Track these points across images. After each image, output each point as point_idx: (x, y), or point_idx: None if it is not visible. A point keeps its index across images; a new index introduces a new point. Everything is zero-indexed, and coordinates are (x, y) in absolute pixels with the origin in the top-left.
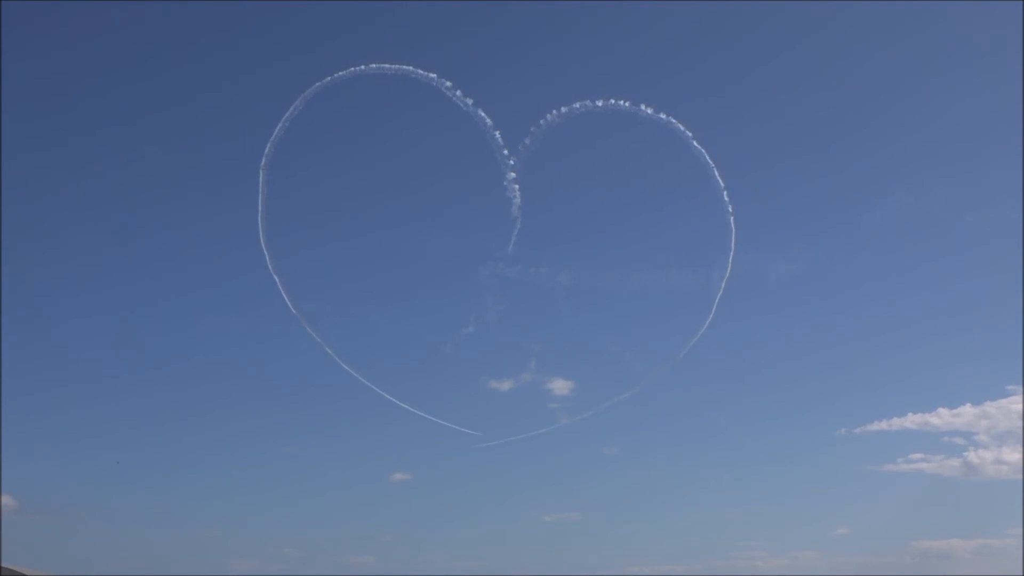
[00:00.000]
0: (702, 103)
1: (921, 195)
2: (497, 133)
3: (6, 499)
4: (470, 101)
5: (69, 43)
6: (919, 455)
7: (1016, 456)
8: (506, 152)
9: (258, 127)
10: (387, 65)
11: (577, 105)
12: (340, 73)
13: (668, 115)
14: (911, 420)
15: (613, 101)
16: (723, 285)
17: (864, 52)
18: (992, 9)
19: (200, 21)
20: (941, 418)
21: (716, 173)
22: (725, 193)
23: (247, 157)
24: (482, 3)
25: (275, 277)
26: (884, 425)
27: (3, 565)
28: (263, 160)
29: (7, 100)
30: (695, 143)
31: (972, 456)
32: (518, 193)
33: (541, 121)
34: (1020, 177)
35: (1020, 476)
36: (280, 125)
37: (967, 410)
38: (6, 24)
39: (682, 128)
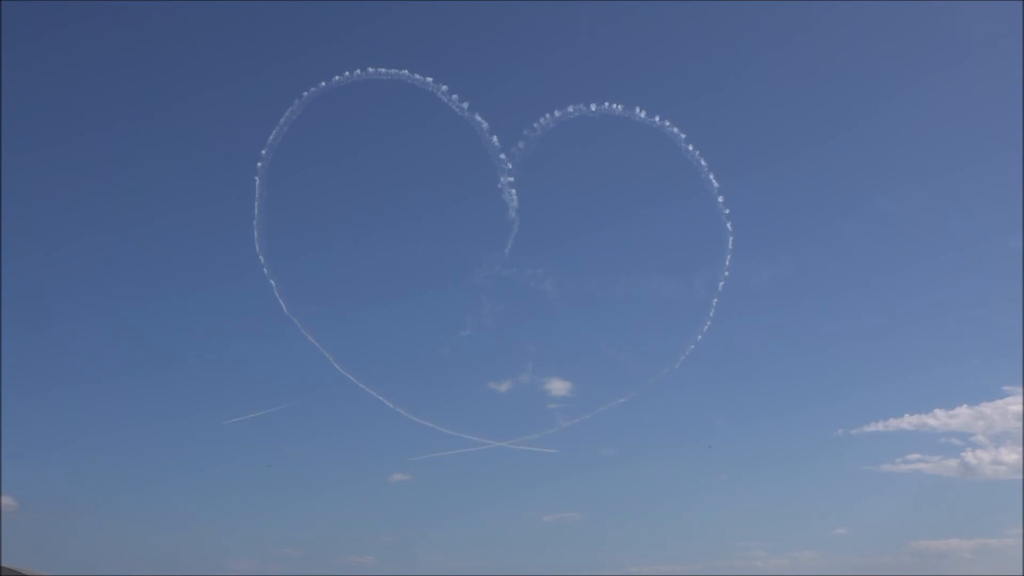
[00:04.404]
0: (692, 106)
1: (926, 194)
2: (494, 137)
3: (6, 499)
4: (466, 105)
5: (69, 43)
6: (916, 455)
7: (1014, 456)
8: (503, 156)
9: (256, 129)
10: (383, 70)
11: (571, 109)
12: (336, 78)
13: (662, 119)
14: (908, 421)
15: (607, 105)
16: (720, 288)
17: (841, 58)
18: (970, 13)
19: (200, 23)
20: (938, 419)
21: (712, 176)
22: (720, 196)
23: (246, 159)
24: (477, 7)
25: (271, 281)
26: (881, 426)
27: (3, 565)
28: (259, 164)
29: (7, 100)
30: (689, 147)
31: (969, 457)
32: (515, 196)
33: (535, 125)
34: (1019, 176)
35: (1019, 476)
36: (277, 129)
37: (964, 411)
38: (6, 24)
39: (676, 131)
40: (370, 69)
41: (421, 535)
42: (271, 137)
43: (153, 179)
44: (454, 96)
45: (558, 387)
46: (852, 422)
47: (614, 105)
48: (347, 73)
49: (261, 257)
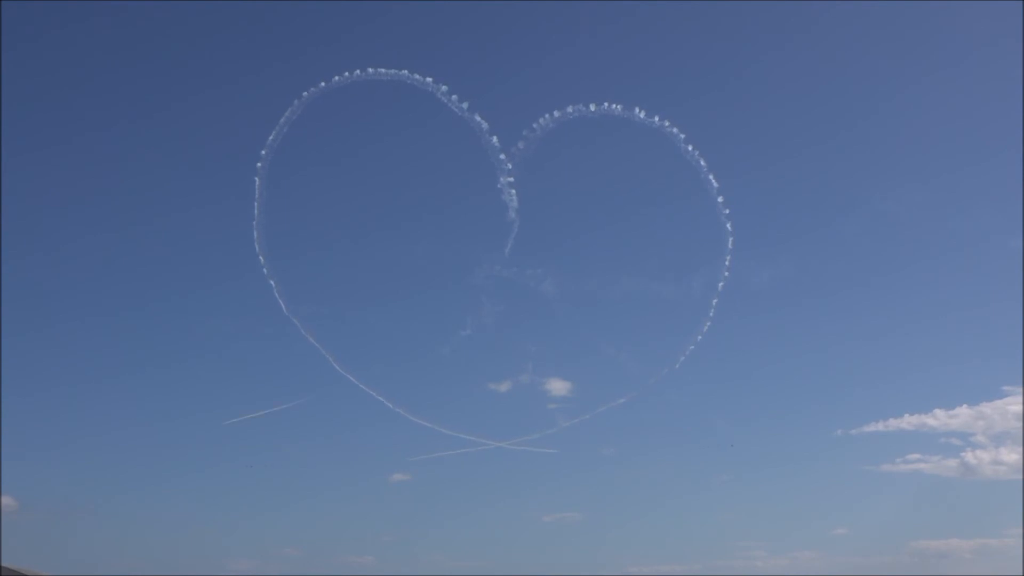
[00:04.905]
0: (691, 106)
1: (927, 194)
2: (494, 138)
3: (6, 499)
4: (466, 105)
5: (69, 43)
6: (916, 455)
7: (1014, 456)
8: (503, 156)
9: (256, 129)
10: (383, 70)
11: (570, 109)
12: (336, 78)
13: (660, 119)
14: (907, 421)
15: (606, 105)
16: (720, 288)
17: (841, 58)
18: (970, 13)
19: (200, 23)
20: (937, 419)
21: (711, 176)
22: (720, 196)
23: (246, 159)
24: (477, 7)
25: (271, 281)
26: (881, 426)
27: (3, 565)
28: (259, 164)
29: (7, 100)
30: (689, 147)
31: (969, 457)
32: (515, 196)
33: (535, 125)
34: (1019, 176)
35: (1019, 476)
36: (276, 130)
37: (963, 411)
38: (6, 24)
39: (675, 131)
40: (370, 69)
41: (421, 535)
42: (271, 137)
43: (153, 179)
44: (454, 96)
45: (558, 387)
46: (852, 422)
47: (613, 105)
48: (347, 73)
49: (261, 257)
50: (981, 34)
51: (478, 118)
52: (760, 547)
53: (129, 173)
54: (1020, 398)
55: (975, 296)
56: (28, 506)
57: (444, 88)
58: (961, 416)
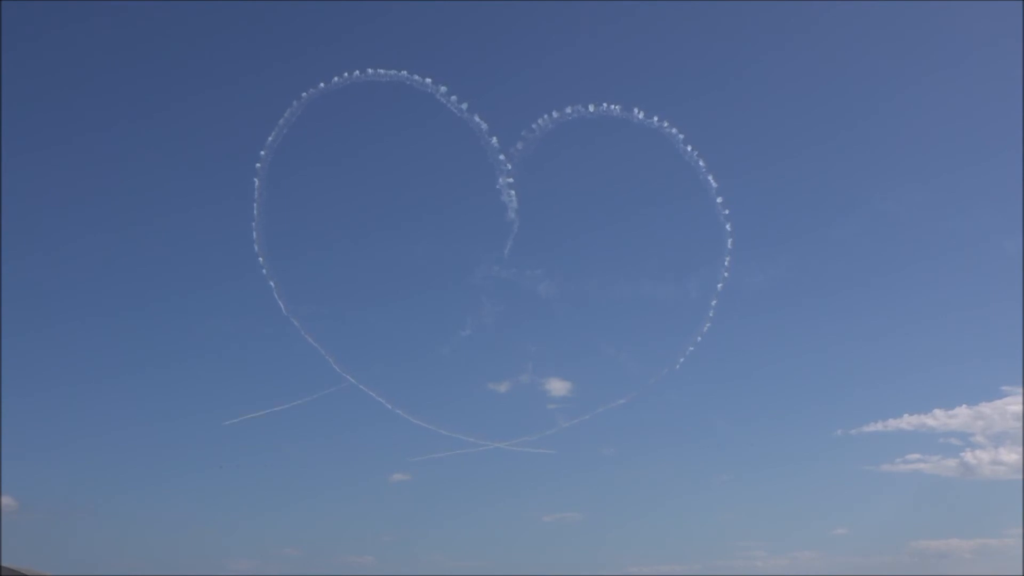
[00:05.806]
0: (690, 107)
1: (927, 194)
2: (493, 138)
3: (6, 499)
4: (465, 106)
5: (69, 43)
6: (916, 455)
7: (1014, 457)
8: (502, 157)
9: (256, 130)
10: (382, 71)
11: (569, 110)
12: (336, 79)
13: (659, 119)
14: (907, 421)
15: (605, 106)
16: (720, 288)
17: (841, 58)
18: (970, 13)
19: (200, 23)
20: (937, 419)
21: (710, 177)
22: (719, 197)
23: (246, 159)
24: (477, 7)
25: (270, 281)
26: (881, 426)
27: (3, 565)
28: (259, 165)
29: (7, 100)
30: (688, 147)
31: (969, 457)
32: (514, 197)
33: (534, 126)
34: (1019, 176)
35: (1019, 476)
36: (276, 131)
37: (963, 411)
38: (6, 24)
39: (674, 131)
40: (370, 70)
41: (421, 535)
42: (271, 138)
43: (153, 179)
44: (453, 97)
45: (558, 387)
46: (852, 422)
47: (612, 106)
48: (347, 73)
49: (261, 257)
50: (981, 34)
51: (477, 119)
52: (760, 547)
53: (129, 173)
54: (1019, 398)
55: (975, 296)
56: (28, 506)
57: (443, 89)
58: (960, 416)
